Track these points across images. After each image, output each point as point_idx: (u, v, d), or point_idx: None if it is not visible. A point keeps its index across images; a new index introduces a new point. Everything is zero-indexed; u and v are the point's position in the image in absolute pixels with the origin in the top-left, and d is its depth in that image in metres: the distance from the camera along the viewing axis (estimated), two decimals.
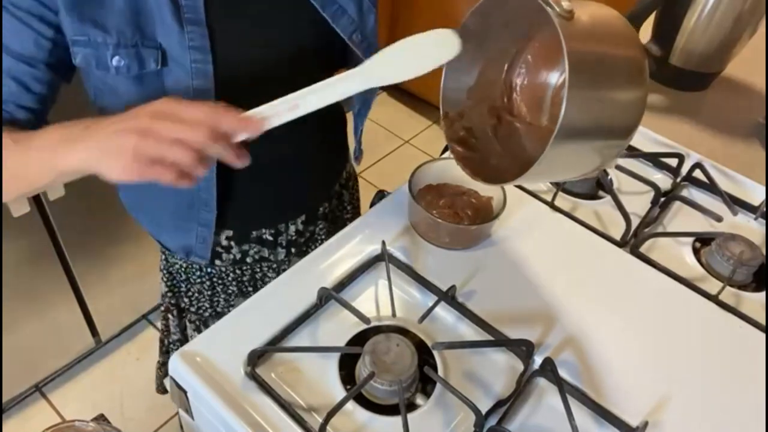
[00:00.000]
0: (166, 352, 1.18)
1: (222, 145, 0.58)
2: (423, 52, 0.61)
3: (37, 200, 1.34)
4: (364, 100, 0.96)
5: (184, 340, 1.13)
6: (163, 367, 1.22)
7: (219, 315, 1.07)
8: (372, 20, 0.83)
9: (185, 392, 0.73)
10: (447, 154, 1.01)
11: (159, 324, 1.21)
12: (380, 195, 0.96)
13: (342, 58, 0.88)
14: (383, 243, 0.86)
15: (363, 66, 0.61)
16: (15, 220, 1.31)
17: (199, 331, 1.10)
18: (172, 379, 0.74)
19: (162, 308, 1.12)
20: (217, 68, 0.72)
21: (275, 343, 0.75)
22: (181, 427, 1.00)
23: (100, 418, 0.92)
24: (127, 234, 1.59)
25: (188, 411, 0.76)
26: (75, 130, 0.61)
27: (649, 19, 1.19)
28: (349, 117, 1.03)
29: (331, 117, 0.99)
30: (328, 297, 0.79)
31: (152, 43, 0.70)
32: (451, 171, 0.92)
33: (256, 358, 0.72)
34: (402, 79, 0.62)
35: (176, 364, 0.72)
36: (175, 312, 1.09)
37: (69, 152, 0.61)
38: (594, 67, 0.58)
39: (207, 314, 1.07)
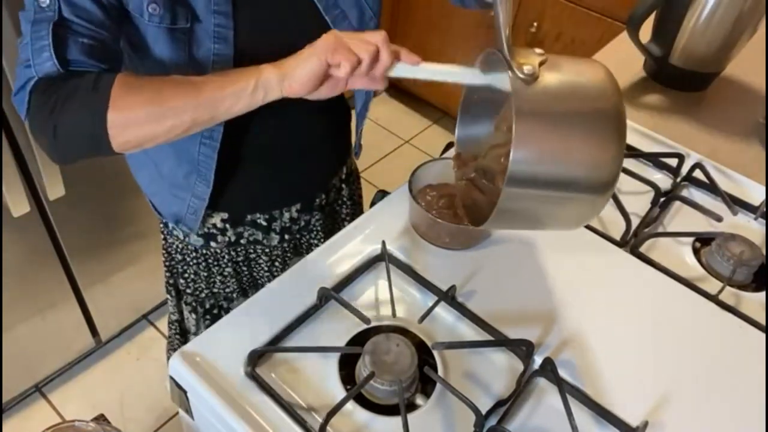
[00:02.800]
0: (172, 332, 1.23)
1: (375, 69, 0.67)
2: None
3: (37, 200, 1.34)
4: (365, 100, 0.97)
5: (182, 320, 1.16)
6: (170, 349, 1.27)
7: (215, 296, 1.10)
8: (372, 28, 0.84)
9: (185, 392, 0.73)
10: (447, 153, 1.01)
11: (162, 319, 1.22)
12: (380, 195, 0.96)
13: None
14: (383, 243, 0.86)
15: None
16: (15, 220, 1.31)
17: (195, 312, 1.12)
18: (172, 379, 0.74)
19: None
20: (237, 35, 0.76)
21: (275, 343, 0.75)
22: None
23: (100, 418, 0.92)
24: (127, 234, 1.59)
25: (188, 411, 0.76)
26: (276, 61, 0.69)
27: (649, 19, 1.19)
28: (374, 106, 1.04)
29: (335, 111, 1.01)
30: (328, 297, 0.79)
31: (183, 2, 0.73)
32: (451, 171, 0.92)
33: (256, 358, 0.72)
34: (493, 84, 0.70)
35: (176, 364, 0.72)
36: (173, 292, 1.13)
37: (272, 69, 0.68)
38: (546, 129, 0.59)
39: (203, 295, 1.10)
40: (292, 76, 0.67)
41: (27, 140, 1.23)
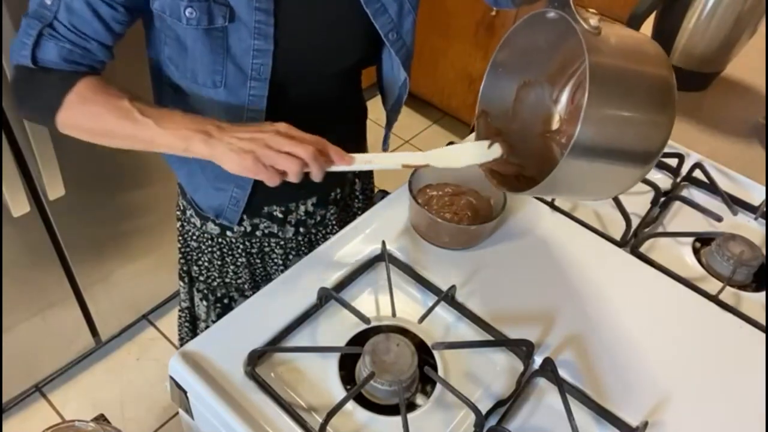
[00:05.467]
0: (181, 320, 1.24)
1: (319, 164, 0.71)
2: (468, 152, 0.76)
3: (37, 200, 1.34)
4: (398, 95, 0.97)
5: (192, 308, 1.17)
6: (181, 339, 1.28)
7: (227, 285, 1.10)
8: (409, 22, 0.86)
9: (185, 392, 0.73)
10: None
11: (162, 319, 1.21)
12: (380, 195, 0.96)
13: (378, 52, 0.92)
14: (383, 243, 0.86)
15: (427, 153, 0.76)
16: (15, 220, 1.31)
17: (206, 300, 1.13)
18: (172, 379, 0.74)
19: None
20: (278, 31, 0.77)
21: (275, 343, 0.75)
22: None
23: (100, 418, 0.92)
24: (127, 234, 1.59)
25: (188, 411, 0.76)
26: (209, 127, 0.72)
27: (649, 19, 1.19)
28: (372, 106, 1.05)
29: (352, 107, 1.02)
30: (328, 297, 0.79)
31: (221, 1, 0.75)
32: (451, 171, 0.92)
33: (256, 358, 0.72)
34: (447, 166, 0.76)
35: (176, 364, 0.72)
36: (186, 279, 1.13)
37: (201, 144, 0.72)
38: (616, 81, 0.59)
39: (215, 284, 1.10)
40: (221, 161, 0.71)
41: (27, 140, 1.23)
